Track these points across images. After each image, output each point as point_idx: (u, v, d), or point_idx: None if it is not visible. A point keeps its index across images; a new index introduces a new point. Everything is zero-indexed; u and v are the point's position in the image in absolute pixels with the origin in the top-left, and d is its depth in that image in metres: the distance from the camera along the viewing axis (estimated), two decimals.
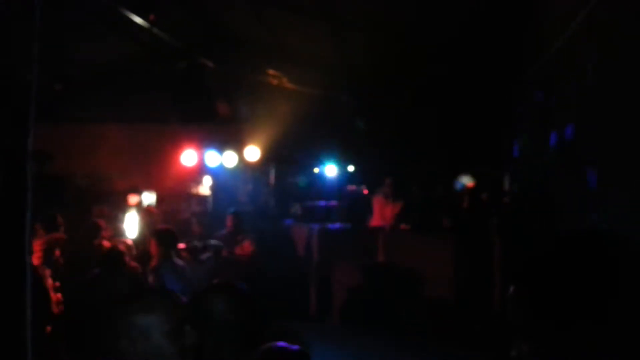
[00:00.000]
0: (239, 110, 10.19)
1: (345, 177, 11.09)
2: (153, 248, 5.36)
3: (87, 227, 6.15)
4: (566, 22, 5.31)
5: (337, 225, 8.91)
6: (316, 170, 11.15)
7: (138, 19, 7.00)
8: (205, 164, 9.91)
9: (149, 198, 9.73)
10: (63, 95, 9.01)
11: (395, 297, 7.67)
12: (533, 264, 1.15)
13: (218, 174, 10.30)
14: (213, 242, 7.17)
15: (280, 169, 11.09)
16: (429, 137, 9.55)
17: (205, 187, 10.69)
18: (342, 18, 7.42)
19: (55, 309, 4.43)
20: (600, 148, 4.73)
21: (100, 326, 1.56)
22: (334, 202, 9.84)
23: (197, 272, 5.85)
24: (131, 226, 7.31)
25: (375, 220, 8.89)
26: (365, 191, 10.20)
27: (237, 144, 9.94)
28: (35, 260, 4.43)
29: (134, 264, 5.28)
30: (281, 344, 2.06)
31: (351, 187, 10.64)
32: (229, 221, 7.80)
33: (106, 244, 5.36)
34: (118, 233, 6.75)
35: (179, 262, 5.48)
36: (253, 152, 9.97)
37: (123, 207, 8.12)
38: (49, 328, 4.29)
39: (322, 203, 9.79)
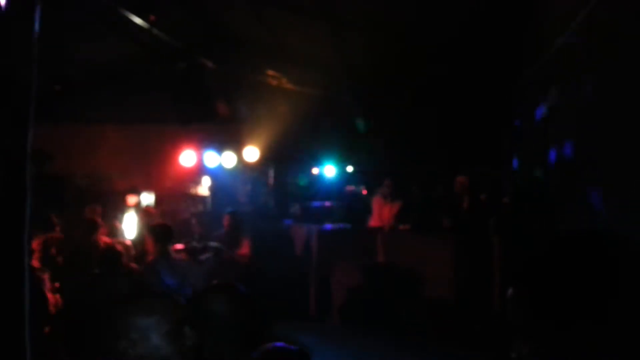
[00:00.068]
0: (238, 110, 10.17)
1: (345, 178, 11.08)
2: (149, 244, 5.37)
3: (85, 224, 6.16)
4: (566, 22, 5.31)
5: (337, 225, 8.90)
6: (315, 170, 11.14)
7: (138, 20, 6.99)
8: (205, 164, 9.91)
9: (147, 198, 9.74)
10: (63, 96, 9.01)
11: (395, 297, 7.67)
12: (533, 264, 1.15)
13: (217, 175, 10.29)
14: (213, 244, 7.18)
15: (279, 169, 11.07)
16: (428, 137, 9.54)
17: (204, 188, 10.68)
18: (342, 18, 7.41)
19: (53, 309, 4.43)
20: (601, 148, 4.74)
21: (100, 327, 1.55)
22: (333, 203, 9.84)
23: (196, 272, 5.85)
24: (130, 226, 7.31)
25: (374, 221, 8.90)
26: (365, 191, 10.20)
27: (237, 145, 9.93)
28: (33, 260, 4.43)
29: (133, 265, 5.29)
30: (281, 344, 2.06)
31: (350, 188, 10.64)
32: (225, 221, 7.80)
33: (105, 239, 5.36)
34: (113, 232, 6.74)
35: (176, 258, 5.48)
36: (252, 153, 9.96)
37: (122, 207, 8.12)
38: (48, 328, 4.28)
39: (322, 203, 9.79)
